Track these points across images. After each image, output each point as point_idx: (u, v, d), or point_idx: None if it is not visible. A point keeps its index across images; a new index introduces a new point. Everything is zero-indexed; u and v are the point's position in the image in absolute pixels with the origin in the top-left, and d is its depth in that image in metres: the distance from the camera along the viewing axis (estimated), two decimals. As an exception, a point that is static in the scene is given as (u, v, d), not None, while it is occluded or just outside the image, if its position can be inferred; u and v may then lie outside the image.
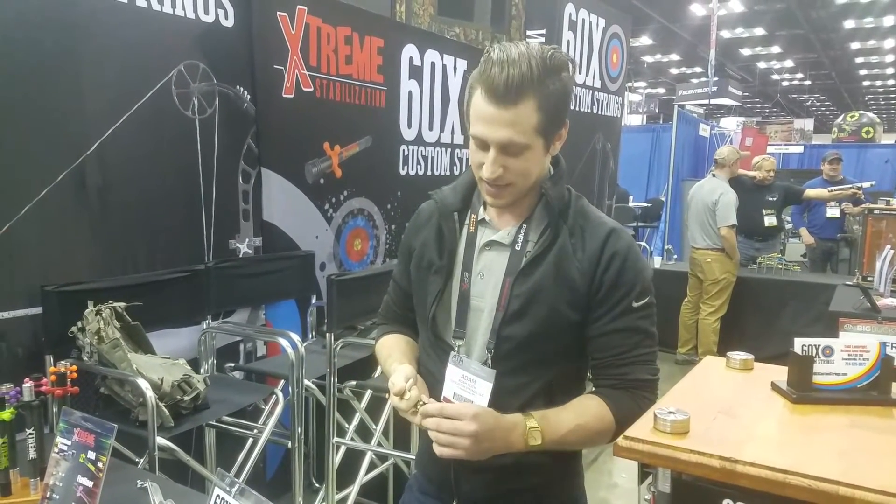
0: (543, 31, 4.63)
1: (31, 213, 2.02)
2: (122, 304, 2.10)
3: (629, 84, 17.47)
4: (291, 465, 2.51)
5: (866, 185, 6.17)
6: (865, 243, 4.52)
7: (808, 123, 18.96)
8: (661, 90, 24.35)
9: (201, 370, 2.54)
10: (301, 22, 2.82)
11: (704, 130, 8.92)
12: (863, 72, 20.43)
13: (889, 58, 17.74)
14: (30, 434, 1.37)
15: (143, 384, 1.90)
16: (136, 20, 2.26)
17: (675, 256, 6.96)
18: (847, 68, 19.69)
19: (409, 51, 3.45)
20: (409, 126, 3.53)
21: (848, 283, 4.29)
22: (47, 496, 1.19)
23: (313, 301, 3.06)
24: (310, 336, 3.06)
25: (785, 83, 22.32)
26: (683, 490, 0.91)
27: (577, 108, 4.72)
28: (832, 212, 6.28)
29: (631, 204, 8.62)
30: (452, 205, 1.27)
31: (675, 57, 18.66)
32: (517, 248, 1.20)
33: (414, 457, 2.21)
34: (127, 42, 2.25)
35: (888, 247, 3.92)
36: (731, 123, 14.08)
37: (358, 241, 3.34)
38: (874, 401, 1.08)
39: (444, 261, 1.24)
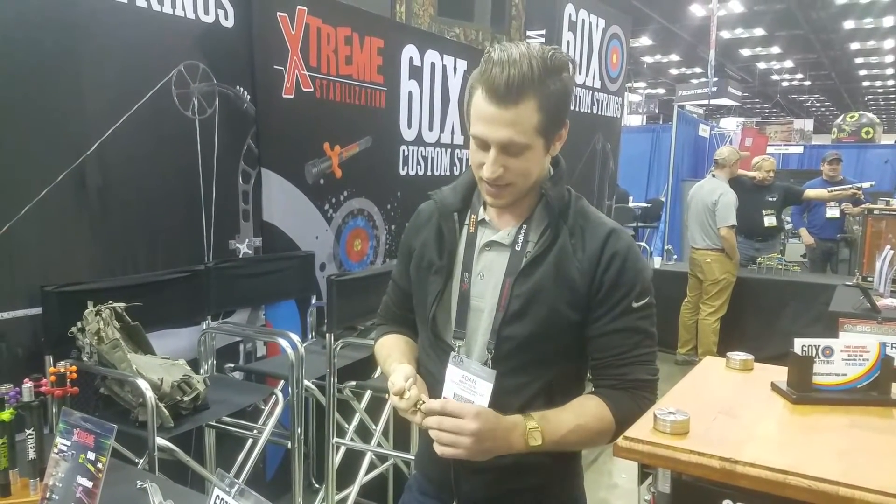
0: (543, 32, 4.63)
1: (31, 214, 2.02)
2: (122, 305, 2.10)
3: (629, 84, 17.47)
4: (291, 465, 2.51)
5: (866, 185, 6.18)
6: (865, 243, 4.52)
7: (807, 124, 18.99)
8: (661, 90, 24.36)
9: (201, 370, 2.54)
10: (301, 22, 2.82)
11: (704, 131, 8.92)
12: (862, 72, 20.44)
13: (889, 58, 17.75)
14: (29, 434, 1.37)
15: (143, 385, 1.90)
16: (136, 20, 2.26)
17: (675, 257, 6.96)
18: (847, 69, 19.70)
19: (409, 51, 3.45)
20: (409, 126, 3.53)
21: (848, 283, 4.30)
22: (47, 497, 1.18)
23: (313, 301, 3.06)
24: (310, 336, 3.06)
25: (785, 83, 22.33)
26: (683, 490, 0.91)
27: (576, 109, 4.72)
28: (832, 212, 6.29)
29: (631, 204, 8.62)
30: (452, 205, 1.27)
31: (674, 57, 18.67)
32: (517, 248, 1.20)
33: (413, 457, 2.21)
34: (127, 42, 2.25)
35: (888, 247, 3.92)
36: (730, 124, 14.08)
37: (358, 241, 3.34)
38: (874, 401, 1.08)
39: (444, 261, 1.24)
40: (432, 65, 3.62)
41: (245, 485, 0.89)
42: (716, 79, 12.95)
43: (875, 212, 4.57)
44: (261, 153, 2.77)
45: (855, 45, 16.75)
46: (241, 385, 2.62)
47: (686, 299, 5.46)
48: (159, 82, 2.36)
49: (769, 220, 5.54)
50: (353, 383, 2.65)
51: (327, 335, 2.56)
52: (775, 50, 17.62)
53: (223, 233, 2.68)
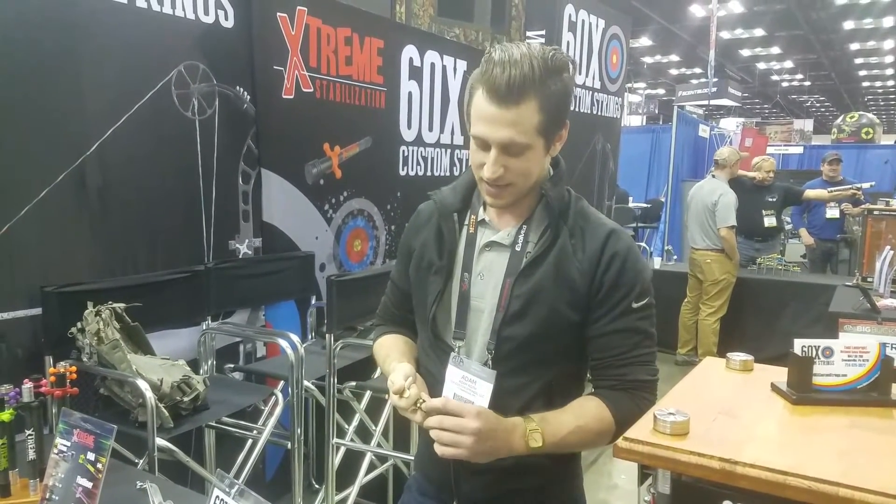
0: (543, 32, 4.63)
1: (31, 214, 2.02)
2: (122, 305, 2.10)
3: (629, 85, 17.48)
4: (291, 465, 2.51)
5: (866, 185, 6.18)
6: (865, 244, 4.52)
7: (807, 124, 19.00)
8: (661, 91, 24.37)
9: (201, 371, 2.54)
10: (301, 23, 2.82)
11: (704, 131, 8.92)
12: (862, 72, 20.45)
13: (888, 58, 17.75)
14: (29, 435, 1.36)
15: (143, 385, 1.90)
16: (136, 21, 2.26)
17: (675, 257, 6.95)
18: (846, 69, 19.71)
19: (409, 52, 3.45)
20: (409, 127, 3.53)
21: (848, 283, 4.30)
22: (46, 497, 1.18)
23: (313, 302, 3.06)
24: (309, 337, 3.06)
25: (784, 84, 22.34)
26: (683, 491, 0.91)
27: (576, 109, 4.72)
28: (832, 212, 6.28)
29: (631, 205, 8.62)
30: (452, 205, 1.27)
31: (674, 58, 18.67)
32: (517, 248, 1.20)
33: (413, 458, 2.21)
34: (127, 42, 2.25)
35: (888, 247, 3.92)
36: (730, 124, 14.11)
37: (358, 241, 3.34)
38: (874, 402, 1.08)
39: (443, 261, 1.24)
40: (432, 65, 3.62)
41: (245, 485, 0.89)
42: (716, 79, 12.95)
43: (875, 212, 4.57)
44: (261, 154, 2.77)
45: (855, 46, 16.75)
46: (240, 385, 2.62)
47: (686, 300, 5.46)
48: (159, 83, 2.36)
49: (769, 221, 5.54)
50: (353, 384, 2.65)
51: (327, 336, 2.56)
52: (775, 50, 17.63)
53: (223, 233, 2.68)
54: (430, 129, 3.67)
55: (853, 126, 11.78)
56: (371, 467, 2.78)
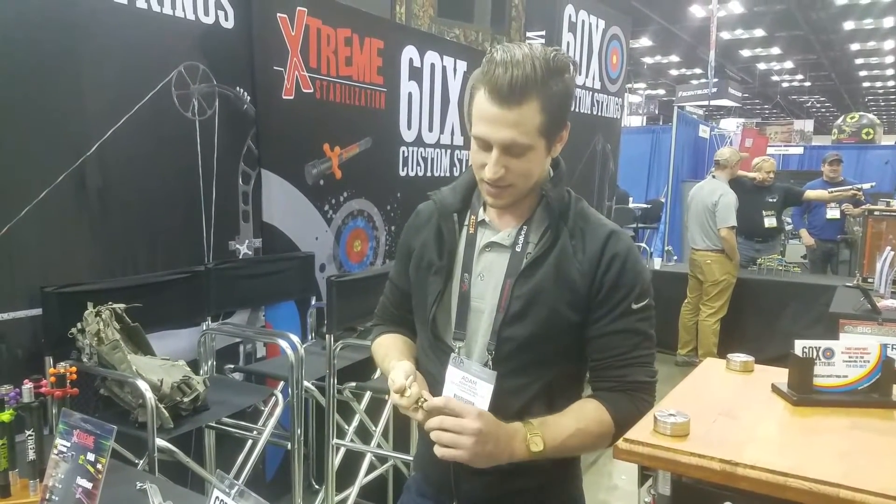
0: (543, 33, 4.63)
1: (31, 215, 2.02)
2: (122, 306, 2.10)
3: (629, 85, 17.48)
4: (291, 466, 2.51)
5: (866, 186, 6.18)
6: (866, 244, 4.52)
7: (807, 125, 18.97)
8: (661, 91, 24.37)
9: (201, 371, 2.53)
10: (301, 23, 2.82)
11: (704, 132, 8.92)
12: (863, 73, 20.45)
13: (889, 59, 17.75)
14: (29, 435, 1.37)
15: (143, 385, 1.90)
16: (136, 21, 2.26)
17: (675, 258, 6.95)
18: (847, 69, 19.71)
19: (409, 52, 3.45)
20: (409, 127, 3.53)
21: (848, 284, 4.30)
22: (46, 497, 1.18)
23: (313, 302, 3.05)
24: (309, 337, 3.06)
25: (785, 84, 22.34)
26: (683, 493, 0.91)
27: (576, 110, 4.72)
28: (832, 213, 6.28)
29: (631, 205, 8.62)
30: (452, 205, 1.26)
31: (674, 58, 18.67)
32: (517, 249, 1.20)
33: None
34: (127, 43, 2.25)
35: (888, 248, 3.92)
36: (730, 125, 14.11)
37: (358, 242, 3.34)
38: (875, 403, 1.08)
39: (443, 262, 1.24)
40: (432, 66, 3.62)
41: (245, 486, 0.89)
42: (716, 80, 12.94)
43: (875, 213, 4.57)
44: (261, 154, 2.77)
45: (855, 46, 16.75)
46: (240, 386, 2.62)
47: (686, 300, 5.46)
48: (159, 83, 2.36)
49: (769, 221, 5.54)
50: (353, 384, 2.65)
51: (327, 336, 2.56)
52: (775, 51, 17.62)
53: (223, 234, 2.68)
54: (430, 129, 3.67)
55: (853, 126, 11.78)
56: (371, 468, 2.78)
